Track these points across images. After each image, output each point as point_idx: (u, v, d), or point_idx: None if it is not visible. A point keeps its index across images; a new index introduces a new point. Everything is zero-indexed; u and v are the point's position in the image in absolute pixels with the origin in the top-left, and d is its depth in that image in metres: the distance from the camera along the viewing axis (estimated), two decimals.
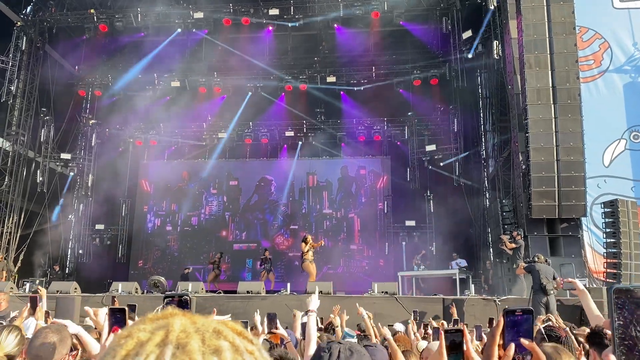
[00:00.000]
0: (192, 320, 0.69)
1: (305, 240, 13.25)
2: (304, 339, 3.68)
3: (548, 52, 12.87)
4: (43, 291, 6.12)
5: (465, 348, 1.64)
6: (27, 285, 13.87)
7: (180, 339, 0.64)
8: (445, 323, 7.42)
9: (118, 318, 2.21)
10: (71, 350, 2.65)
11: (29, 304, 5.32)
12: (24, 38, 18.25)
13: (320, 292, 9.87)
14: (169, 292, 10.68)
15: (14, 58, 17.85)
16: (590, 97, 14.08)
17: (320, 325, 6.35)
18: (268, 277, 16.06)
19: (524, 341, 1.18)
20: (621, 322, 0.88)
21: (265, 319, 4.47)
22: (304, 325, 3.92)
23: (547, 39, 12.92)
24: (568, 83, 12.75)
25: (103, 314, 2.74)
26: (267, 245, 20.43)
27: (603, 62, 14.90)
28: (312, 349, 3.28)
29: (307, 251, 13.10)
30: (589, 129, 12.78)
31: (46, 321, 5.18)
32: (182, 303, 2.02)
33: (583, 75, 13.85)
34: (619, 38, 14.94)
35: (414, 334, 6.17)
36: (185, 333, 0.65)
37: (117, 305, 4.04)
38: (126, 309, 2.25)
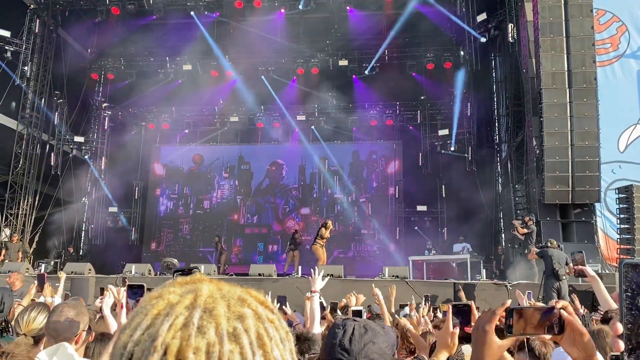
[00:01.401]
0: (218, 286, 0.72)
1: (325, 225, 13.49)
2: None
3: (564, 35, 12.61)
4: (62, 275, 6.32)
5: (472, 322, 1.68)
6: (42, 266, 14.08)
7: (207, 303, 0.68)
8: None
9: (137, 294, 2.34)
10: (89, 329, 2.65)
11: (36, 282, 5.47)
12: (37, 21, 18.27)
13: (331, 275, 9.92)
14: (179, 267, 10.83)
15: (27, 41, 17.90)
16: (606, 82, 13.84)
17: (325, 304, 6.43)
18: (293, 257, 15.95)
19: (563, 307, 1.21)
20: (629, 294, 0.97)
21: (275, 302, 4.52)
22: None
23: (563, 21, 12.65)
24: (584, 67, 12.51)
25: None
26: (278, 229, 20.53)
27: (620, 46, 14.62)
28: (315, 328, 3.31)
29: (322, 237, 13.27)
30: (605, 113, 12.55)
31: None
32: None
33: (599, 59, 13.58)
34: (638, 21, 14.63)
35: (424, 317, 6.20)
36: (213, 298, 0.69)
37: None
38: (145, 285, 2.39)
